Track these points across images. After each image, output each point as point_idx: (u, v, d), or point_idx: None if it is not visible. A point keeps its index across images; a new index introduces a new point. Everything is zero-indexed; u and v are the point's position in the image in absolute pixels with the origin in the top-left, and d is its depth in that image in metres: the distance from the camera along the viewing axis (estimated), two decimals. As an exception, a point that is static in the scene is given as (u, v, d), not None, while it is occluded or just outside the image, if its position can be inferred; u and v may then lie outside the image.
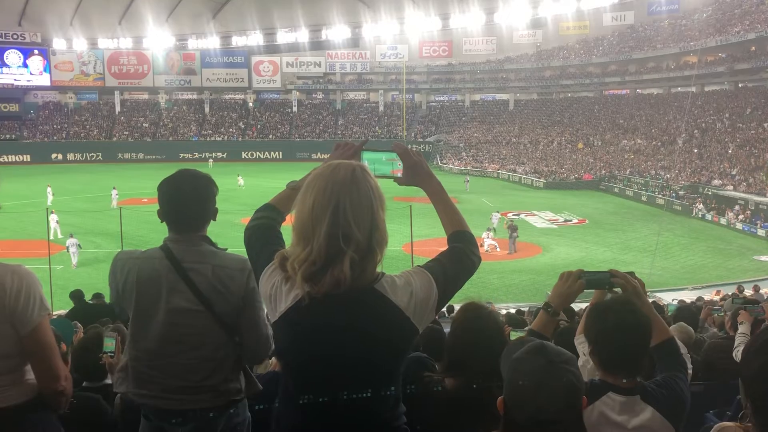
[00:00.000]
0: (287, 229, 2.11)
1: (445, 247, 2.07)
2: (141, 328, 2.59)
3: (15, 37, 68.56)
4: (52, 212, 26.14)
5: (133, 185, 39.93)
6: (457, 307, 3.05)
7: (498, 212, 32.14)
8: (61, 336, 3.18)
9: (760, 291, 16.10)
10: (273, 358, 3.91)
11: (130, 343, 2.63)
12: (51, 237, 25.62)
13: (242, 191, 37.84)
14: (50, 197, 36.51)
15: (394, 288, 1.81)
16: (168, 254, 2.58)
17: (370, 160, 2.15)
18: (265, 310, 2.66)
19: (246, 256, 2.15)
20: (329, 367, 1.78)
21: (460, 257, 2.01)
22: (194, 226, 2.65)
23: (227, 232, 2.49)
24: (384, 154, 2.21)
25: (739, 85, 55.56)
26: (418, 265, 1.95)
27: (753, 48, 52.80)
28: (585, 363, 2.93)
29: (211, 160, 50.18)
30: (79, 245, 23.55)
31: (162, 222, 2.68)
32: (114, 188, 37.15)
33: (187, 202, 2.63)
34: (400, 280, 1.83)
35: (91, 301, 11.14)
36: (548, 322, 2.61)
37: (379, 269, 1.83)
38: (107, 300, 10.45)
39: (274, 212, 2.12)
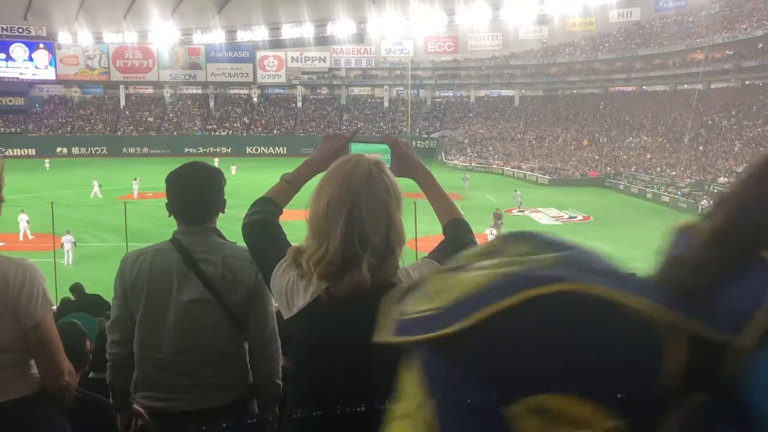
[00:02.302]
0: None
1: None
2: (151, 326, 2.56)
3: (20, 30, 68.70)
4: (21, 212, 25.96)
5: (138, 179, 40.00)
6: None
7: (518, 191, 36.24)
8: (87, 333, 3.18)
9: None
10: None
11: (137, 344, 2.60)
12: (21, 239, 25.70)
13: (243, 186, 38.00)
14: (96, 189, 37.83)
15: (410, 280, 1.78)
16: (177, 246, 2.57)
17: (359, 152, 2.12)
18: (275, 306, 2.64)
19: None
20: (348, 360, 1.76)
21: (462, 246, 1.97)
22: (203, 218, 2.64)
23: (231, 227, 2.49)
24: (373, 146, 2.18)
25: (746, 83, 55.30)
26: (425, 257, 1.95)
27: (760, 45, 52.55)
28: None
29: (216, 159, 49.98)
30: (74, 243, 23.18)
31: (170, 215, 2.66)
32: (135, 179, 37.96)
33: (195, 194, 2.63)
34: (414, 272, 1.83)
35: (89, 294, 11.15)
36: None
37: (399, 264, 1.82)
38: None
39: (272, 205, 2.06)
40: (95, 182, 38.89)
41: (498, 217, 27.64)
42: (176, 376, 2.54)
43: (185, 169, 2.67)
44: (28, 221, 26.12)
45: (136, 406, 2.73)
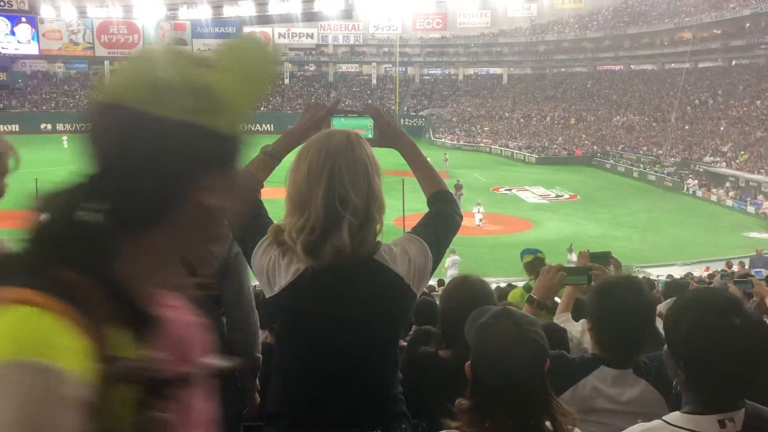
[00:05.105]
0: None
1: None
2: None
3: (2, 4, 67.36)
4: None
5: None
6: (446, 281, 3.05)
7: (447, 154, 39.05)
8: None
9: (745, 267, 16.22)
10: (265, 331, 3.91)
11: None
12: None
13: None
14: None
15: (393, 257, 1.80)
16: None
17: (341, 126, 2.11)
18: (251, 283, 2.66)
19: None
20: (331, 338, 1.78)
21: (445, 218, 2.00)
22: None
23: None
24: (355, 121, 2.17)
25: (733, 63, 55.42)
26: (408, 232, 1.94)
27: (748, 24, 52.58)
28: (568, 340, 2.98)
29: None
30: None
31: None
32: None
33: None
34: (397, 248, 1.82)
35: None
36: (532, 314, 2.68)
37: (378, 239, 1.82)
38: None
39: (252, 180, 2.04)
40: None
41: (459, 188, 27.96)
42: None
43: None
44: None
45: None
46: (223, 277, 2.57)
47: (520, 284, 6.16)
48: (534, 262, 5.56)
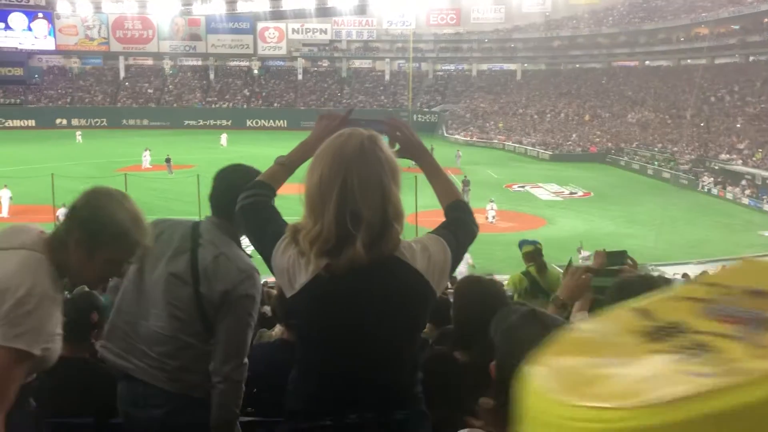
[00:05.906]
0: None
1: None
2: (135, 282, 2.66)
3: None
4: (4, 186, 25.83)
5: (137, 152, 39.90)
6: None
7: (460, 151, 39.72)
8: (95, 306, 3.21)
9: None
10: (277, 327, 3.91)
11: (120, 295, 2.71)
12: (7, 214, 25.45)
13: (237, 161, 38.04)
14: (146, 161, 37.77)
15: (413, 253, 1.82)
16: (194, 226, 2.71)
17: None
18: (254, 321, 2.69)
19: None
20: (351, 334, 1.80)
21: (463, 225, 2.04)
22: (228, 216, 2.66)
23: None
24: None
25: (750, 59, 54.80)
26: (429, 232, 1.98)
27: (766, 20, 51.94)
28: None
29: (224, 136, 49.67)
30: None
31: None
32: (147, 150, 38.34)
33: (227, 194, 2.65)
34: (417, 245, 1.84)
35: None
36: (556, 314, 2.69)
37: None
38: None
39: (266, 188, 2.08)
40: (147, 151, 38.54)
41: (466, 183, 28.05)
42: (134, 337, 2.61)
43: (231, 168, 2.76)
44: (11, 197, 25.94)
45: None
46: (219, 307, 2.55)
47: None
48: (533, 252, 6.34)
